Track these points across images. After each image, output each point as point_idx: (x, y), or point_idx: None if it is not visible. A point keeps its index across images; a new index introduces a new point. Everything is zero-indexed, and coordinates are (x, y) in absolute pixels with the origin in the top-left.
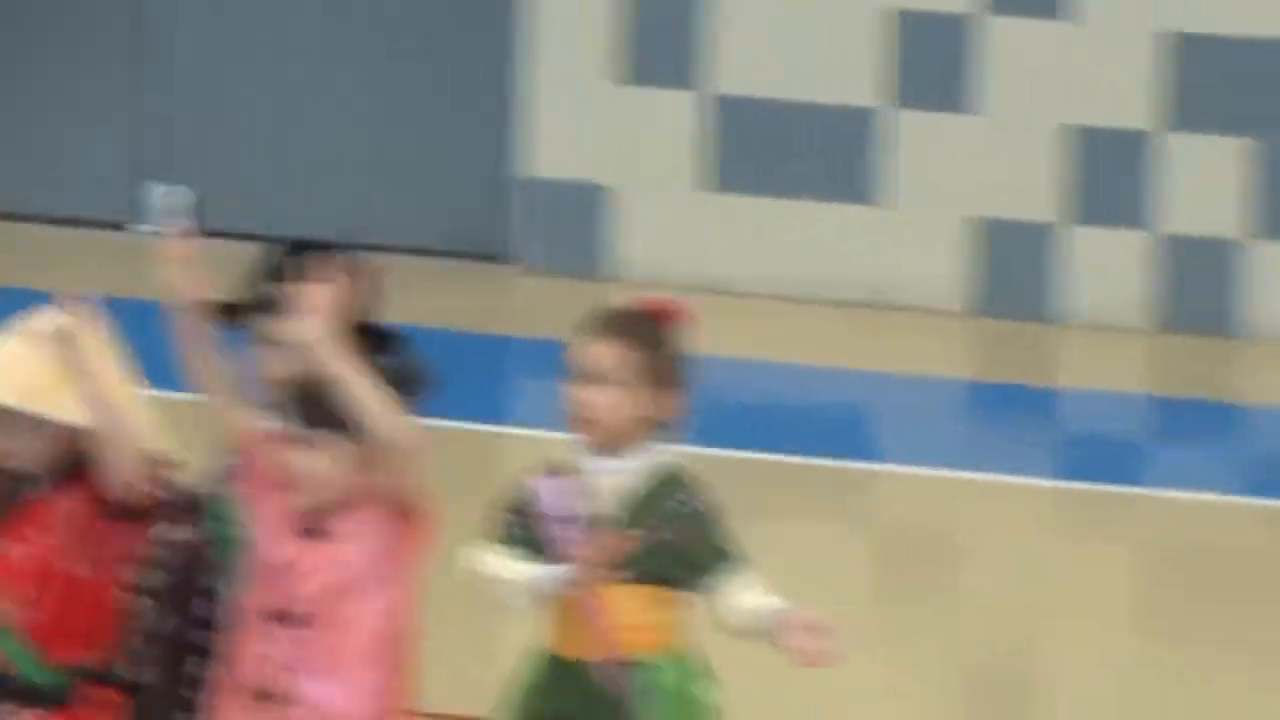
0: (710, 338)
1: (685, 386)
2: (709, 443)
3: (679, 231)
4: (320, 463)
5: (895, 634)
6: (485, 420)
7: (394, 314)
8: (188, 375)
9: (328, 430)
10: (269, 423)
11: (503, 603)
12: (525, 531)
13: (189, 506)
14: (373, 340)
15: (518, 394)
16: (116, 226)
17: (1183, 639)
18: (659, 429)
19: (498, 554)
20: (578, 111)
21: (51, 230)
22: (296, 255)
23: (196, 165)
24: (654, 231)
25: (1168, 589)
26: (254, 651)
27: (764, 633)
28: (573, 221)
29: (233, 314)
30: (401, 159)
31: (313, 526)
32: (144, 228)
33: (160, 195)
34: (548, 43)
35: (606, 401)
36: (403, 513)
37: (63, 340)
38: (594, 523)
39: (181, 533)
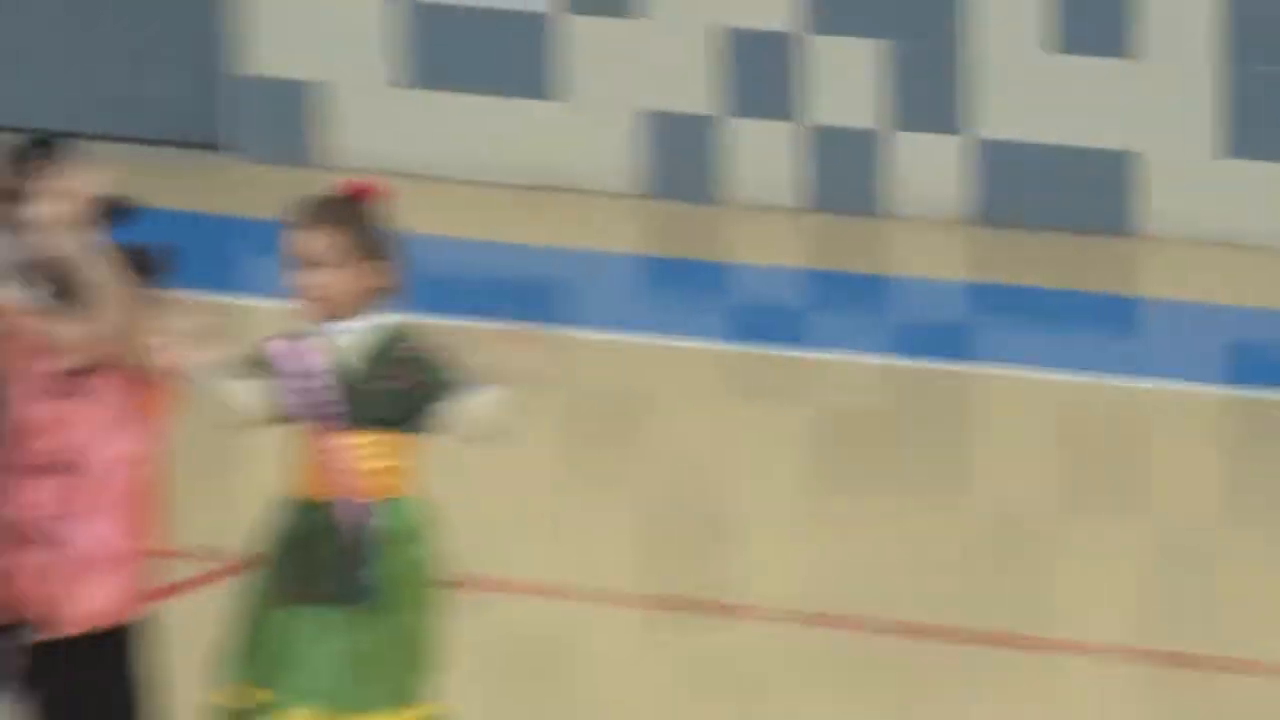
0: (411, 218)
1: (395, 258)
2: (415, 311)
3: (383, 123)
4: (72, 331)
5: (584, 482)
6: (214, 291)
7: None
8: None
9: (75, 303)
10: (23, 297)
11: (238, 416)
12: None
13: None
14: (112, 217)
15: (240, 268)
16: None
17: (845, 489)
18: (378, 296)
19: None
20: (287, 12)
21: None
22: (38, 149)
23: None
24: (360, 124)
25: (825, 444)
26: (21, 501)
27: (497, 403)
28: (284, 114)
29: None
30: (119, 51)
31: (68, 388)
32: None
33: None
34: None
35: (324, 281)
36: (142, 377)
37: None
38: (329, 375)
39: None
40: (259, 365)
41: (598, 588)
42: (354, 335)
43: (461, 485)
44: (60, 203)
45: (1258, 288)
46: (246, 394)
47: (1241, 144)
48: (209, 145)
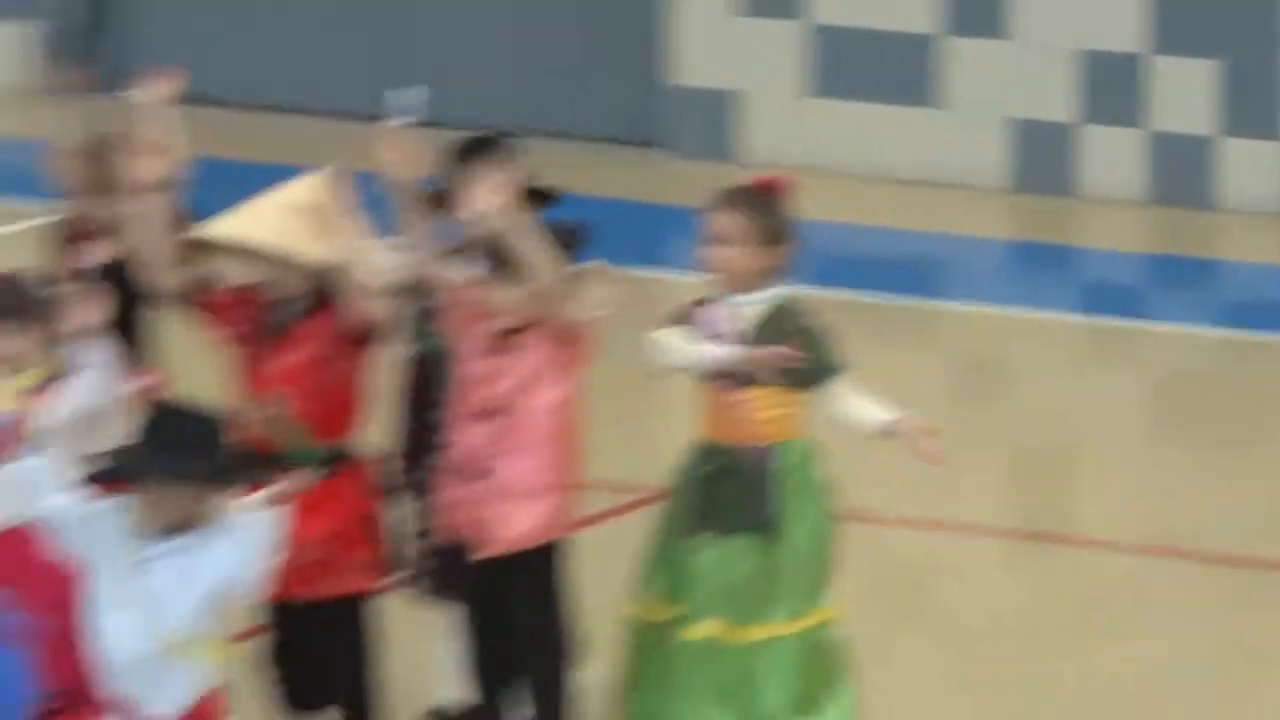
0: (813, 208)
1: (792, 242)
2: (812, 285)
3: (790, 127)
4: (506, 297)
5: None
6: (645, 267)
7: (571, 188)
8: (403, 237)
9: (509, 275)
10: (464, 273)
11: (676, 368)
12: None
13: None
14: (538, 200)
15: (669, 249)
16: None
17: (1185, 445)
18: (775, 274)
19: (673, 337)
20: (713, 31)
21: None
22: (478, 144)
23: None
24: (772, 127)
25: (1173, 404)
26: (463, 441)
27: (876, 432)
28: (711, 118)
29: (437, 201)
30: (572, 61)
31: (501, 345)
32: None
33: (399, 96)
34: None
35: (730, 256)
36: (566, 333)
37: (318, 200)
38: (736, 339)
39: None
40: (680, 325)
41: (965, 521)
42: (754, 306)
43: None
44: (496, 190)
45: None
46: (670, 346)
47: None
48: (647, 144)
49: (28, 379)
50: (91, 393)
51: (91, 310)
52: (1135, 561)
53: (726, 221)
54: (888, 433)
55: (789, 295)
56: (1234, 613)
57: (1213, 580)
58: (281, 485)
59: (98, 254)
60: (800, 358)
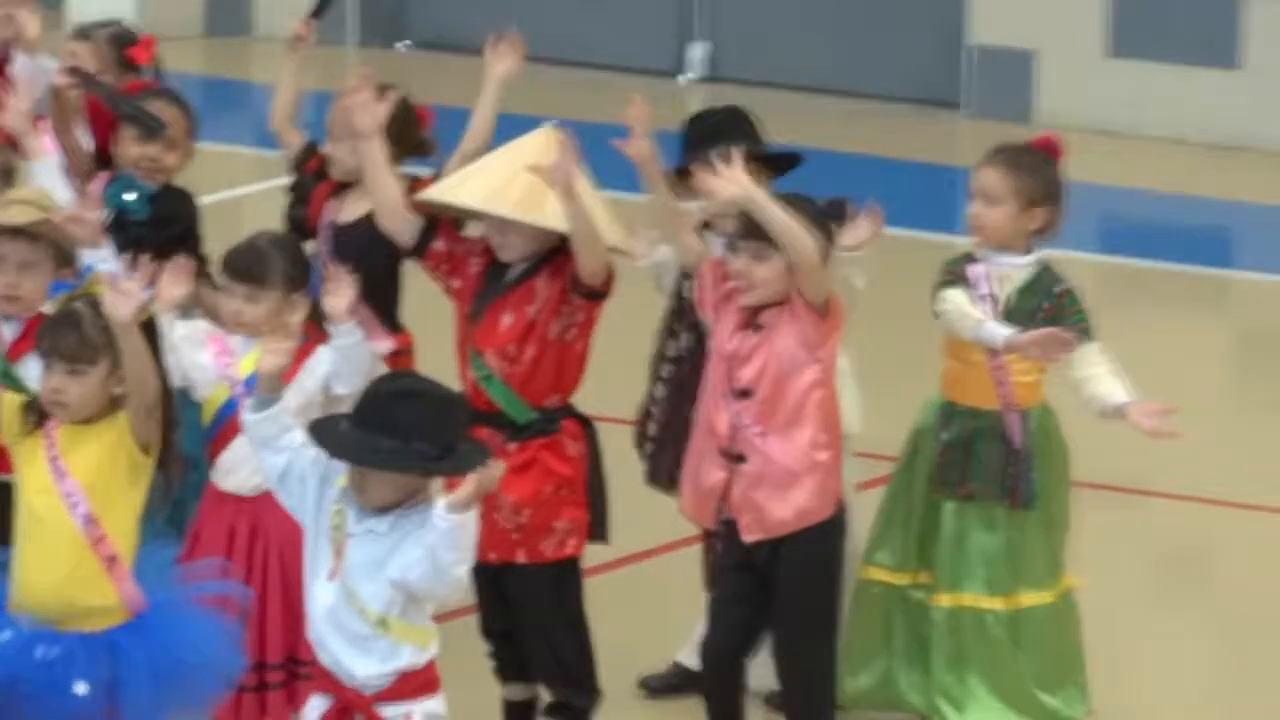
0: (1105, 171)
1: (1059, 203)
2: (1095, 250)
3: (1086, 87)
4: (758, 271)
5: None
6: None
7: (863, 147)
8: (660, 212)
9: (764, 246)
10: (717, 248)
11: (962, 331)
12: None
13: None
14: (775, 165)
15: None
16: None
17: None
18: (1040, 235)
19: (959, 297)
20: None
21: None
22: (718, 122)
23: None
24: (1067, 87)
25: None
26: (719, 421)
27: (1108, 410)
28: (1007, 78)
29: (681, 176)
30: (877, 20)
31: (753, 321)
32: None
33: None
34: None
35: (992, 214)
36: (820, 308)
37: (550, 162)
38: (993, 299)
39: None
40: (958, 281)
41: (1244, 498)
42: (1015, 268)
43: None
44: (736, 167)
45: None
46: (961, 312)
47: None
48: (945, 104)
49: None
50: (342, 372)
51: (343, 292)
52: None
53: (990, 179)
54: (1119, 414)
55: (1049, 260)
56: None
57: None
58: (481, 477)
59: (350, 209)
60: (1071, 340)
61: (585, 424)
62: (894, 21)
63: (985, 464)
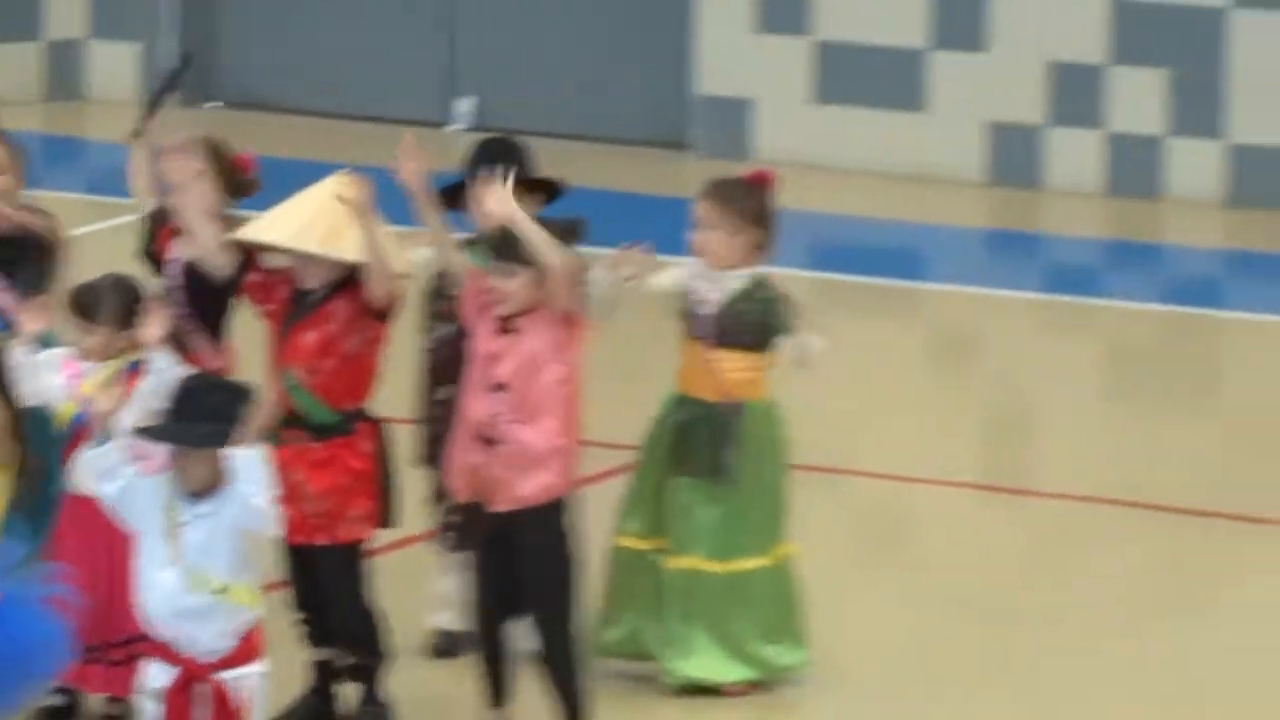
0: (811, 198)
1: (767, 226)
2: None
3: (796, 128)
4: (508, 285)
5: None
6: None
7: (607, 184)
8: (430, 231)
9: (516, 264)
10: (474, 263)
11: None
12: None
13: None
14: (546, 192)
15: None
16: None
17: (1130, 408)
18: (754, 256)
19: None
20: (730, 49)
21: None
22: (491, 149)
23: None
24: (780, 128)
25: (1121, 372)
26: (477, 412)
27: (812, 344)
28: (729, 121)
29: (451, 197)
30: (616, 77)
31: (507, 327)
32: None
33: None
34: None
35: (709, 238)
36: (566, 315)
37: (348, 198)
38: (714, 307)
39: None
40: (677, 294)
41: (938, 475)
42: (734, 280)
43: (835, 396)
44: (505, 189)
45: None
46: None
47: None
48: (675, 145)
49: (106, 371)
50: (158, 390)
51: (155, 325)
52: (1084, 509)
53: (704, 209)
54: (798, 361)
55: (763, 273)
56: (1168, 552)
57: (1150, 525)
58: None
59: (180, 248)
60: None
61: (377, 426)
62: (632, 75)
63: (704, 446)
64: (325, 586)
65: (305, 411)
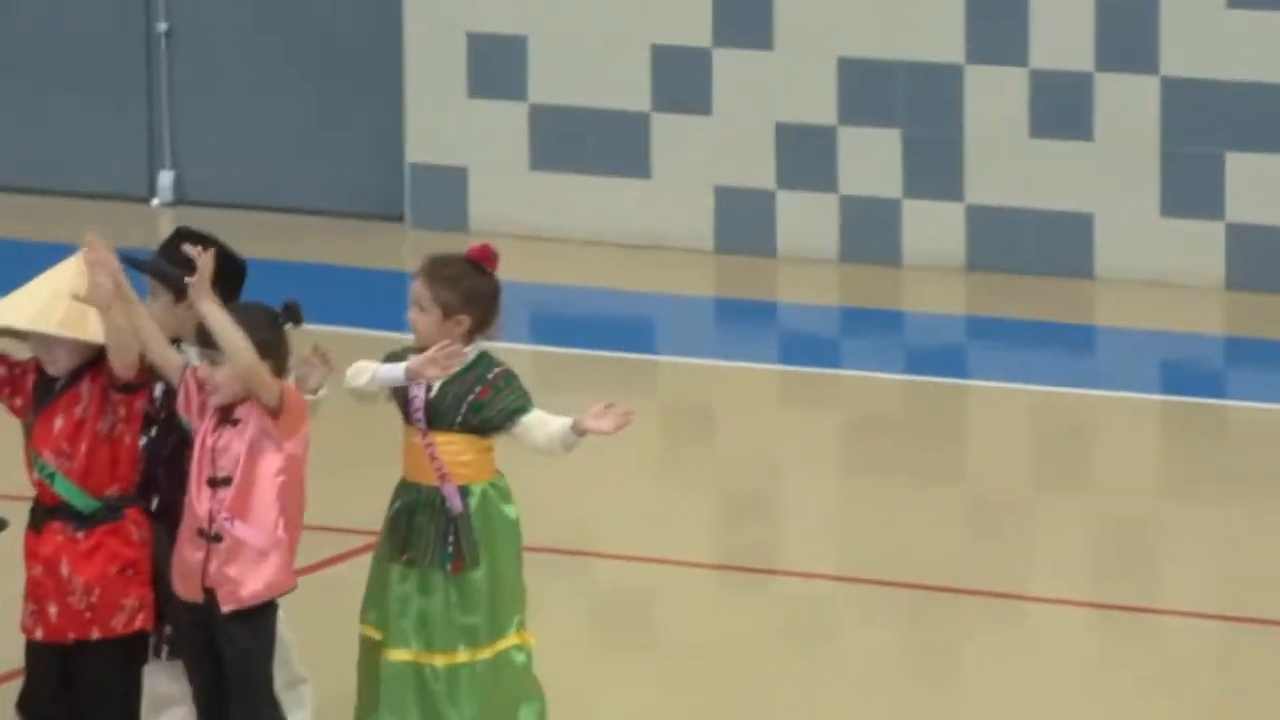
0: (533, 270)
1: (487, 305)
2: (537, 343)
3: (512, 196)
4: (216, 375)
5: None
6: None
7: (319, 257)
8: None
9: (217, 352)
10: (192, 356)
11: (361, 392)
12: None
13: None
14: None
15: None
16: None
17: (874, 482)
18: (475, 333)
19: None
20: (443, 116)
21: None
22: (185, 240)
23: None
24: (496, 197)
25: (862, 444)
26: (200, 507)
27: (566, 439)
28: (444, 191)
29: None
30: (326, 146)
31: (229, 417)
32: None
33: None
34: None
35: (423, 320)
36: (273, 408)
37: (81, 296)
38: (428, 390)
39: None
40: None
41: (677, 555)
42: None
43: (567, 474)
44: (201, 279)
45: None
46: (357, 367)
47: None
48: (389, 217)
49: None
50: None
51: None
52: (830, 588)
53: (418, 289)
54: (577, 432)
55: (484, 350)
56: (918, 629)
57: (899, 603)
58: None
59: None
60: (457, 349)
61: (148, 513)
62: (342, 145)
63: (423, 533)
64: (92, 684)
65: (65, 499)
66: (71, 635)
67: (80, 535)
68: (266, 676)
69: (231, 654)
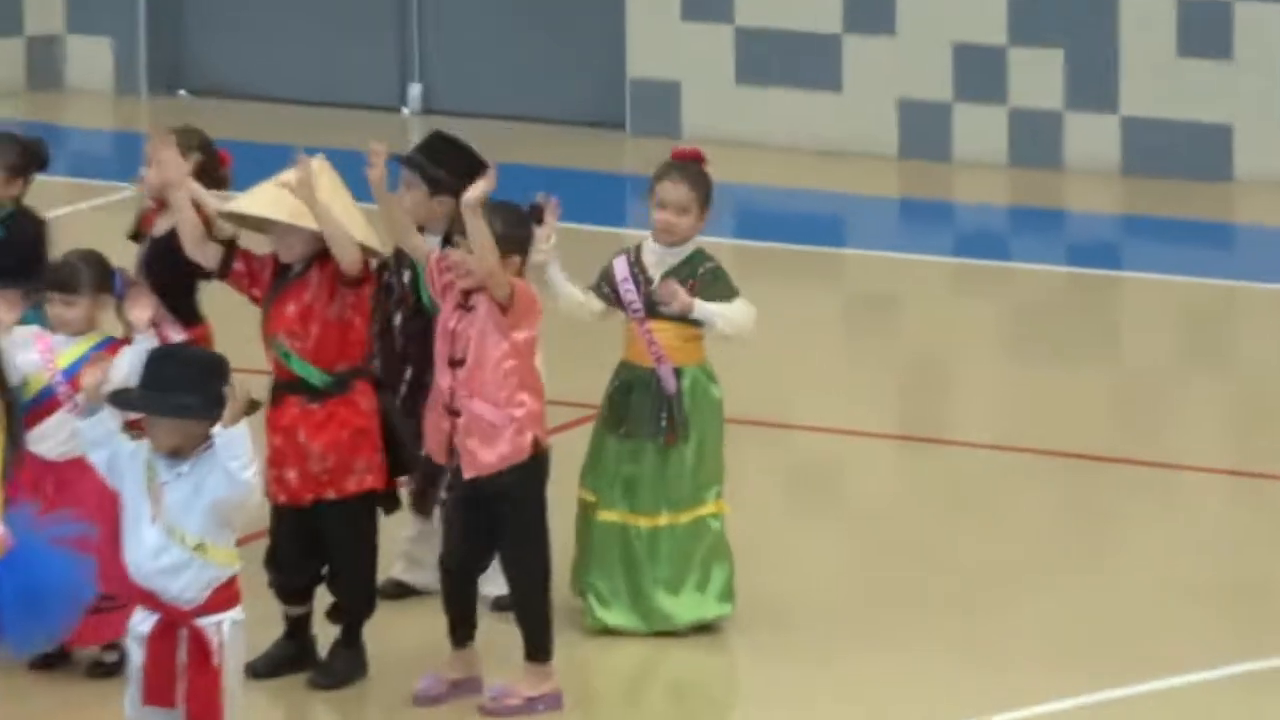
0: (737, 172)
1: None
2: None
3: (722, 109)
4: (470, 260)
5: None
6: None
7: (552, 163)
8: (389, 222)
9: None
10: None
11: (573, 314)
12: (606, 287)
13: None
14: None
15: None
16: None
17: (1035, 363)
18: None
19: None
20: (660, 36)
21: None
22: (442, 142)
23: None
24: (707, 108)
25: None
26: (441, 384)
27: (743, 313)
28: (661, 102)
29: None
30: (556, 61)
31: (466, 302)
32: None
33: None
34: None
35: (683, 221)
36: (502, 302)
37: (288, 183)
38: (654, 281)
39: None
40: (606, 275)
41: (860, 426)
42: (675, 254)
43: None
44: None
45: None
46: (582, 296)
47: None
48: (616, 125)
49: (87, 342)
50: (137, 362)
51: (142, 307)
52: (996, 456)
53: (680, 193)
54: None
55: (699, 247)
56: (1073, 492)
57: (1056, 470)
58: (233, 408)
59: (160, 225)
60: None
61: (376, 383)
62: (571, 61)
63: (640, 409)
64: (332, 540)
65: (299, 375)
66: (309, 496)
67: (315, 406)
68: (533, 534)
69: (497, 512)
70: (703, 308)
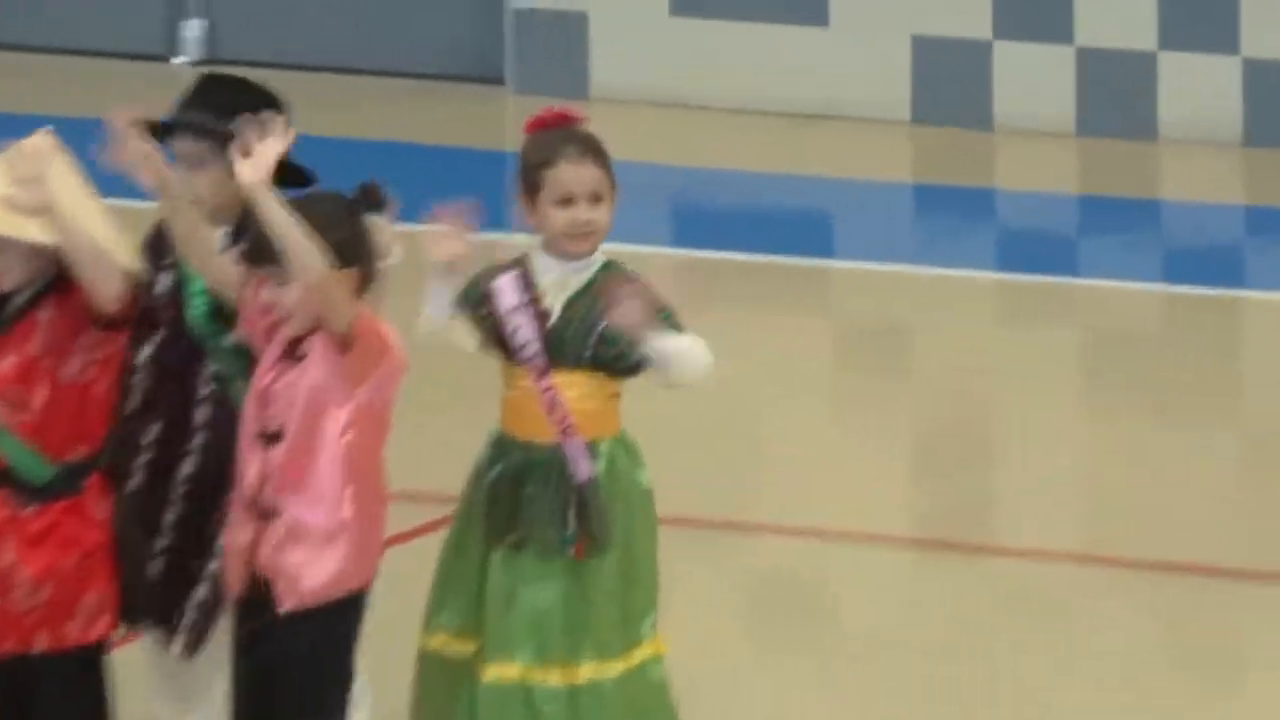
0: (674, 150)
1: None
2: (681, 244)
3: (648, 53)
4: (286, 296)
5: (857, 407)
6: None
7: (400, 133)
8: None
9: (282, 268)
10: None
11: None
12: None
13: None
14: (291, 176)
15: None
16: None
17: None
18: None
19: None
20: None
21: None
22: (217, 87)
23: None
24: (626, 54)
25: (1098, 369)
26: (248, 471)
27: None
28: (557, 46)
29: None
30: None
31: (294, 352)
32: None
33: None
34: None
35: (601, 213)
36: (342, 338)
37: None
38: (556, 312)
39: (153, 343)
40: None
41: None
42: (576, 271)
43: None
44: (261, 162)
45: None
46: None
47: None
48: (492, 79)
49: None
50: None
51: None
52: (1060, 570)
53: (594, 176)
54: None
55: (608, 259)
56: (1182, 624)
57: (1153, 589)
58: None
59: None
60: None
61: (106, 483)
62: None
63: (538, 505)
64: (42, 710)
65: (11, 463)
66: (8, 647)
67: (28, 512)
68: (318, 701)
69: (279, 662)
70: (655, 341)
